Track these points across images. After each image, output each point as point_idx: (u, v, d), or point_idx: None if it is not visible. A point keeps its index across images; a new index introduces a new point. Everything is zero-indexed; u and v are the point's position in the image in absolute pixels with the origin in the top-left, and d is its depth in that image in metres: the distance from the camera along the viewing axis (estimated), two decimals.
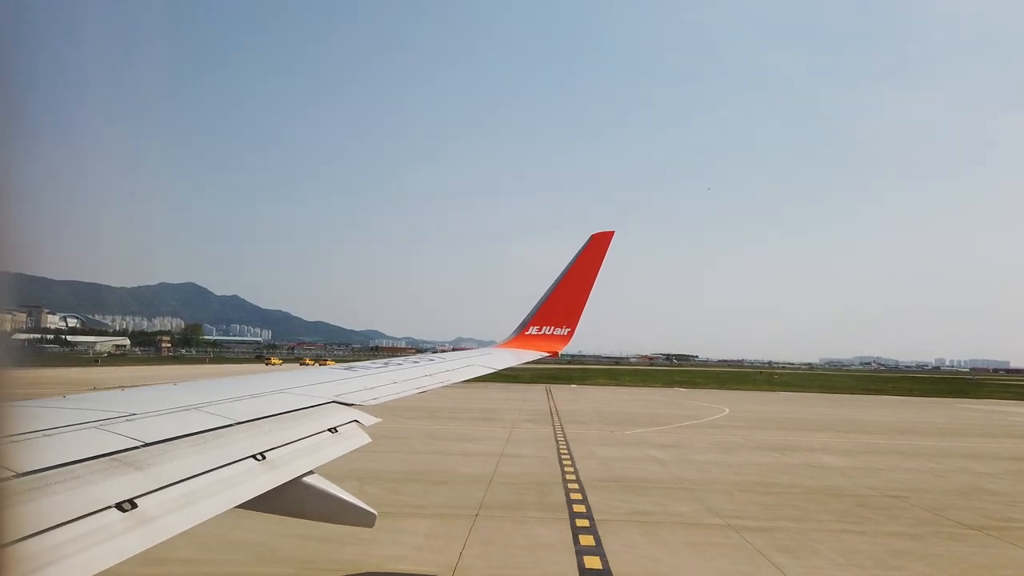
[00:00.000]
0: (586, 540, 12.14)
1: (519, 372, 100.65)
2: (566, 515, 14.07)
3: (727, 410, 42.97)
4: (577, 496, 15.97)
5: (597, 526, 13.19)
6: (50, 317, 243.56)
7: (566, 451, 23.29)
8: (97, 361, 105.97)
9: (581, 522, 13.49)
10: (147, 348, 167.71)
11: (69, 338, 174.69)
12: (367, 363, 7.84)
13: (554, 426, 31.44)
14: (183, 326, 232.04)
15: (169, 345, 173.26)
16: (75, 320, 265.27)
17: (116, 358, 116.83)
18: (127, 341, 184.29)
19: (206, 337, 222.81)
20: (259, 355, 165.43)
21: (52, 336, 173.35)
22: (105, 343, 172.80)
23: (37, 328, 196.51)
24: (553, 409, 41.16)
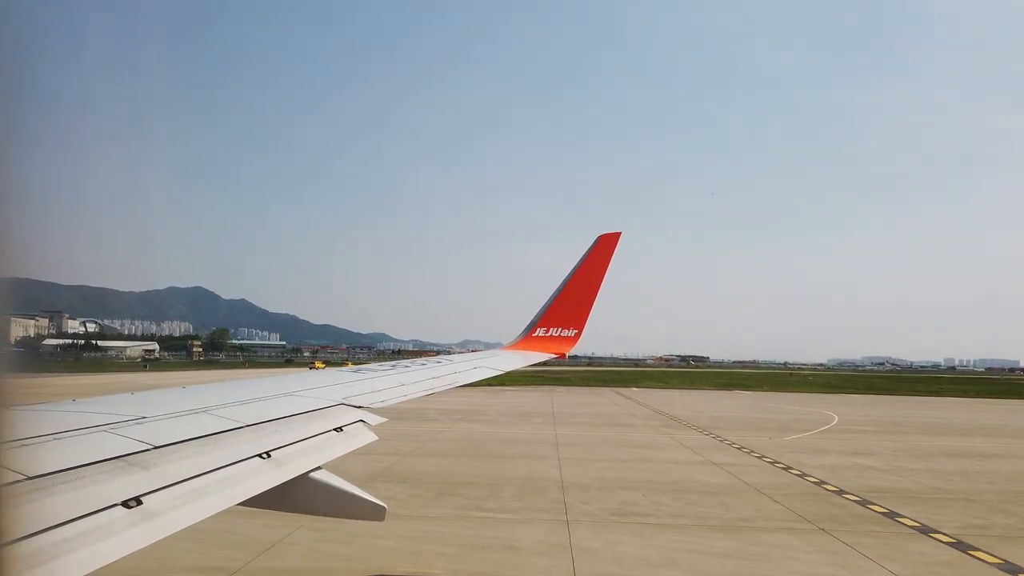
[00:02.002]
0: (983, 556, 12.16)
1: (563, 374, 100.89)
2: (915, 532, 13.86)
3: (835, 416, 42.93)
4: (879, 509, 15.89)
5: (965, 541, 13.10)
6: (70, 322, 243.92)
7: (772, 460, 23.35)
8: (146, 367, 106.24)
9: (941, 537, 13.42)
10: (175, 352, 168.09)
11: (99, 343, 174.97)
12: (374, 365, 7.90)
13: (710, 435, 31.59)
14: (213, 330, 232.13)
15: (200, 350, 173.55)
16: (93, 324, 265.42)
17: (160, 363, 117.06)
18: (156, 345, 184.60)
19: (233, 341, 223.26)
20: (288, 359, 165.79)
21: (83, 342, 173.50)
22: (135, 347, 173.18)
23: (60, 333, 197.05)
24: (671, 414, 41.36)
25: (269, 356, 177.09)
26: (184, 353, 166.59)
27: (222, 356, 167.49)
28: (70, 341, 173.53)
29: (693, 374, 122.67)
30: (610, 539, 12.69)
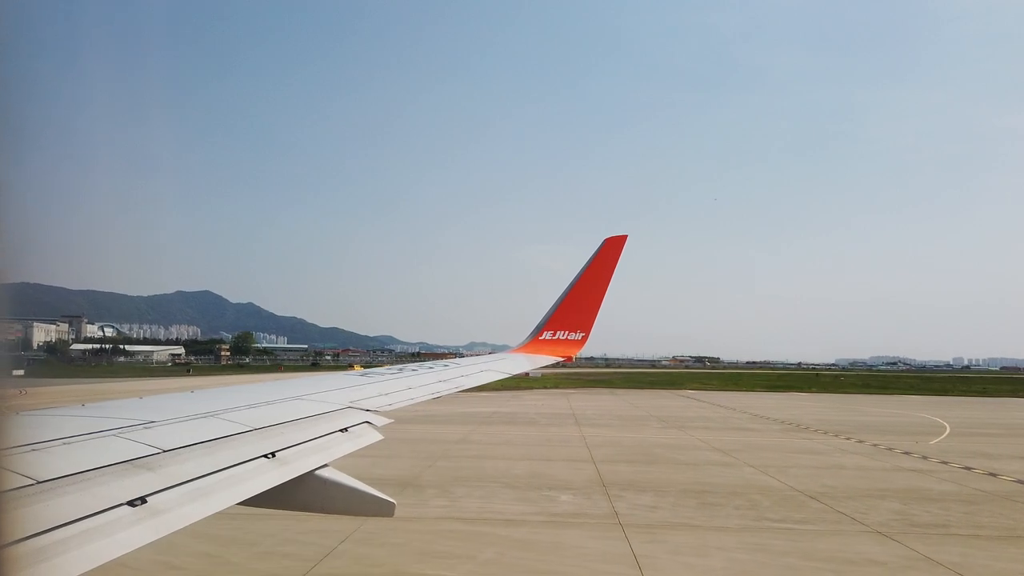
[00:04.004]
0: None
1: (601, 376, 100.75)
2: None
3: (944, 422, 42.38)
4: None
5: None
6: (88, 327, 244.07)
7: (964, 466, 23.16)
8: (189, 371, 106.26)
9: None
10: (202, 357, 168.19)
11: (126, 347, 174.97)
12: (382, 369, 7.93)
13: (853, 439, 31.42)
14: (237, 334, 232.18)
15: (228, 353, 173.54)
16: (111, 329, 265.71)
17: (201, 368, 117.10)
18: (182, 350, 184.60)
19: (257, 345, 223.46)
20: (314, 362, 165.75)
21: (110, 346, 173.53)
22: (162, 352, 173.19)
23: (79, 338, 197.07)
24: (776, 418, 41.15)
25: (295, 360, 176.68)
26: (212, 357, 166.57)
27: (249, 360, 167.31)
28: (98, 346, 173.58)
29: (734, 376, 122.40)
30: (962, 552, 12.51)
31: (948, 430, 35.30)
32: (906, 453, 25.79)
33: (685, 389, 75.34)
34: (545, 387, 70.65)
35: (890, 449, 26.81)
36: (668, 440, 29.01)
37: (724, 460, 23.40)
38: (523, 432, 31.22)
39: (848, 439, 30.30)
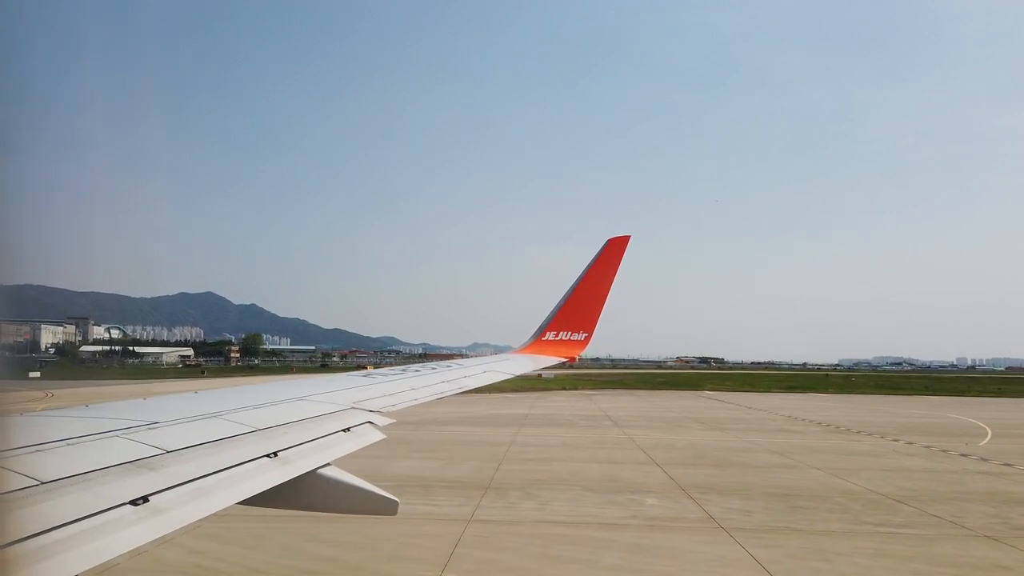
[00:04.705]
0: None
1: (614, 377, 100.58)
2: None
3: (980, 424, 42.18)
4: None
5: None
6: (95, 328, 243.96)
7: None
8: (203, 373, 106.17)
9: None
10: (211, 359, 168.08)
11: (136, 349, 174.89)
12: (385, 370, 7.97)
13: (903, 440, 31.35)
14: (245, 336, 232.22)
15: (238, 355, 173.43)
16: (118, 331, 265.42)
17: (213, 370, 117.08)
18: (191, 351, 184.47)
19: (265, 347, 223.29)
20: (324, 363, 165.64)
21: (120, 348, 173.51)
22: (171, 354, 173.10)
23: (85, 339, 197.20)
24: (815, 419, 41.07)
25: (303, 361, 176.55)
26: (221, 359, 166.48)
27: (258, 361, 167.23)
28: (108, 348, 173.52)
29: (747, 377, 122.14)
30: None
31: (989, 432, 35.21)
32: (963, 455, 25.72)
33: (703, 390, 75.27)
34: (564, 388, 70.63)
35: (945, 451, 26.74)
36: (718, 442, 28.96)
37: (785, 463, 23.35)
38: (568, 434, 31.18)
39: (895, 440, 30.26)
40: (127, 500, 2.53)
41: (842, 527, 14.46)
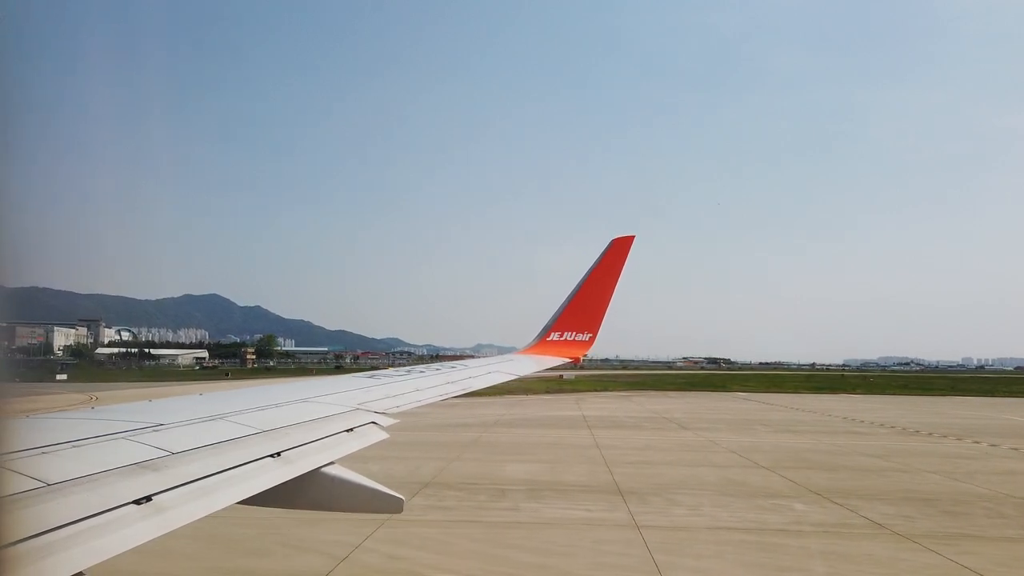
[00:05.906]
0: None
1: (633, 378, 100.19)
2: None
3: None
4: None
5: None
6: (106, 331, 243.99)
7: None
8: (227, 375, 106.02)
9: None
10: (226, 360, 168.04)
11: (151, 351, 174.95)
12: (390, 371, 7.98)
13: (987, 443, 31.12)
14: (258, 338, 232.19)
15: (254, 357, 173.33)
16: (128, 333, 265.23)
17: (238, 372, 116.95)
18: (206, 353, 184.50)
19: (278, 348, 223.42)
20: (338, 365, 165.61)
21: (135, 350, 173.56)
22: (186, 355, 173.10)
23: (97, 342, 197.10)
24: (873, 420, 40.80)
25: (316, 363, 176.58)
26: (237, 361, 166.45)
27: (273, 363, 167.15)
28: (123, 350, 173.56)
29: (770, 377, 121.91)
30: None
31: None
32: None
33: (729, 391, 74.88)
34: (595, 390, 70.20)
35: None
36: (800, 445, 28.71)
37: (892, 466, 23.08)
38: (644, 437, 30.92)
39: (977, 443, 30.00)
40: (131, 500, 2.56)
41: (1015, 533, 14.19)
